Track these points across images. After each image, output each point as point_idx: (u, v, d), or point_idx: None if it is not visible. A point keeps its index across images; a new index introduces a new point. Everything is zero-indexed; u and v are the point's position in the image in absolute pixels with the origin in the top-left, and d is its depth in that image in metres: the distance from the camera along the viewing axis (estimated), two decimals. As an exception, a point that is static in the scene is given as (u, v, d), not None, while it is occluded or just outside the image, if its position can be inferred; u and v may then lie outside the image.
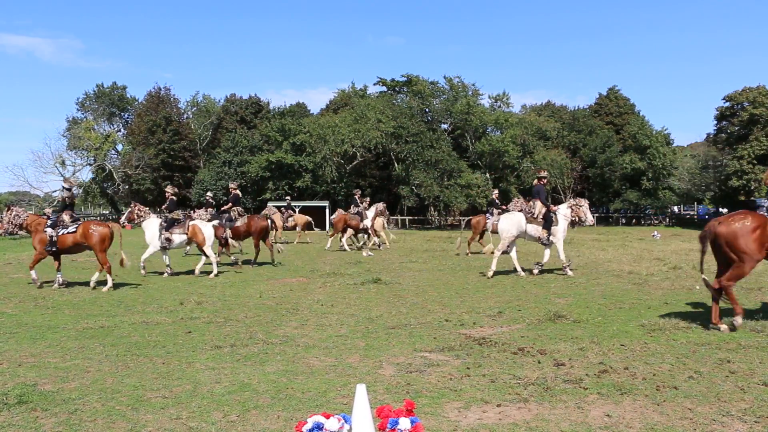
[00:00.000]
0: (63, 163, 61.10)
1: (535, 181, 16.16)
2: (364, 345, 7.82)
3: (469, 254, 21.75)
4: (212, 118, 65.01)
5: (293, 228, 30.81)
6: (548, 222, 15.47)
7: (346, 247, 24.82)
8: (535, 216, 15.51)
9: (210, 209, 22.46)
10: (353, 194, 27.79)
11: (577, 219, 15.85)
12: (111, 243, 14.12)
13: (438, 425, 4.97)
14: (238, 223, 18.79)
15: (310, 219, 32.72)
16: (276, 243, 20.49)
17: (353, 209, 25.65)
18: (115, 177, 61.38)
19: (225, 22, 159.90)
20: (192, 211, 23.01)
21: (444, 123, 59.01)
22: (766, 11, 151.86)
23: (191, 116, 66.78)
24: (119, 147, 66.07)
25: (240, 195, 19.81)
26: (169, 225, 16.23)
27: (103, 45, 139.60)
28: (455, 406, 5.43)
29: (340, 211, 27.20)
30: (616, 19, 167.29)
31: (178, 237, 16.17)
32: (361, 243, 25.65)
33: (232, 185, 20.41)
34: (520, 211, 16.05)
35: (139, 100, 66.79)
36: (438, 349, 7.54)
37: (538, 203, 15.60)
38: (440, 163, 51.60)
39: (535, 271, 15.45)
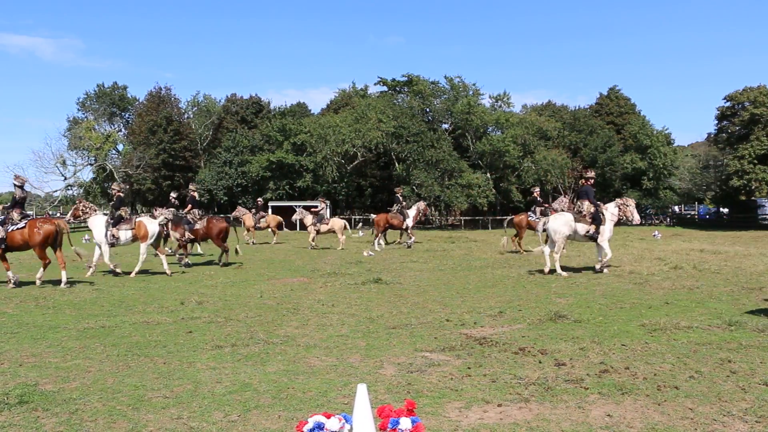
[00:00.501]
0: (64, 162, 61.15)
1: (582, 182, 16.39)
2: (365, 345, 7.82)
3: (523, 252, 21.77)
4: (213, 117, 65.03)
5: (265, 228, 30.52)
6: (597, 220, 15.66)
7: (376, 247, 24.95)
8: (583, 215, 15.73)
9: (172, 209, 22.40)
10: (396, 192, 27.92)
11: (624, 218, 16.09)
12: (58, 240, 14.10)
13: (439, 425, 4.97)
14: (197, 226, 18.85)
15: (281, 219, 32.61)
16: (239, 244, 20.74)
17: (395, 207, 25.78)
18: (116, 177, 61.34)
19: (226, 22, 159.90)
20: (154, 209, 23.38)
21: (445, 123, 59.01)
22: (766, 11, 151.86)
23: (192, 116, 66.80)
24: (120, 147, 66.12)
25: (197, 197, 20.09)
26: (116, 222, 16.28)
27: (104, 45, 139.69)
28: (456, 406, 5.43)
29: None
30: (617, 19, 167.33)
31: (124, 234, 16.18)
32: (401, 241, 25.63)
33: (191, 187, 20.95)
34: (561, 210, 16.21)
35: (140, 100, 66.82)
36: (439, 348, 7.54)
37: (587, 203, 15.82)
38: (441, 162, 51.60)
39: (598, 267, 15.68)
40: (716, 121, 58.42)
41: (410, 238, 25.46)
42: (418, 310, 10.43)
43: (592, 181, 16.28)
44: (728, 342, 7.65)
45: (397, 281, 14.23)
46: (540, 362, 6.86)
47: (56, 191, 60.99)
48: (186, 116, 66.56)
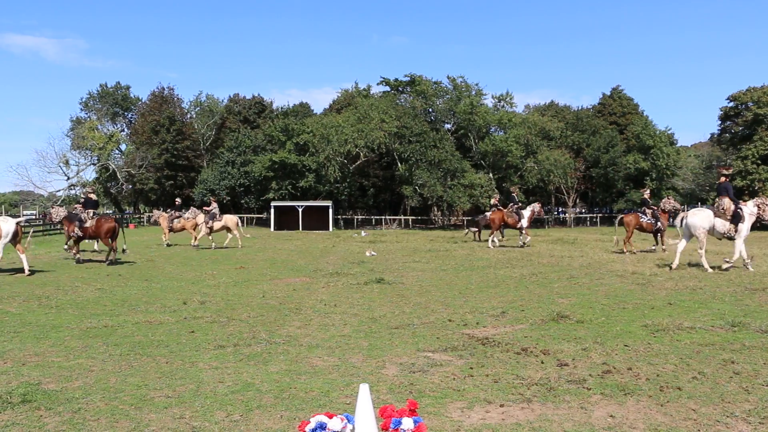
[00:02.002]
0: (67, 162, 61.29)
1: (722, 179, 16.30)
2: (367, 345, 7.81)
3: (635, 252, 21.76)
4: (216, 117, 65.17)
5: (180, 230, 29.58)
6: (736, 218, 15.67)
7: (490, 245, 24.99)
8: (723, 212, 15.78)
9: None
10: (512, 192, 28.20)
11: (763, 217, 16.17)
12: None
13: (441, 425, 4.97)
14: (87, 224, 19.55)
15: (197, 222, 31.80)
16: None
17: (511, 207, 25.96)
18: (119, 177, 61.53)
19: (229, 22, 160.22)
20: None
21: (447, 123, 59.07)
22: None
23: (195, 116, 66.96)
24: (123, 147, 66.30)
25: (93, 198, 20.73)
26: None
27: (107, 45, 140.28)
28: (458, 406, 5.42)
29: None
30: (620, 19, 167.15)
31: None
32: (522, 240, 25.70)
33: (88, 189, 22.00)
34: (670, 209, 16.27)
35: (143, 100, 67.00)
36: (441, 349, 7.54)
37: (726, 200, 15.86)
38: (443, 163, 51.62)
39: (725, 266, 15.66)
40: (719, 122, 58.46)
41: (526, 237, 25.66)
42: (420, 310, 10.43)
43: (728, 177, 16.28)
44: (731, 343, 7.63)
45: (400, 281, 14.23)
46: (542, 363, 6.85)
47: (59, 191, 61.14)
48: (189, 116, 66.71)
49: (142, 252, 23.33)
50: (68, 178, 61.26)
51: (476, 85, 57.96)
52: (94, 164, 62.53)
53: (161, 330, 8.74)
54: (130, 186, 62.41)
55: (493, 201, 31.09)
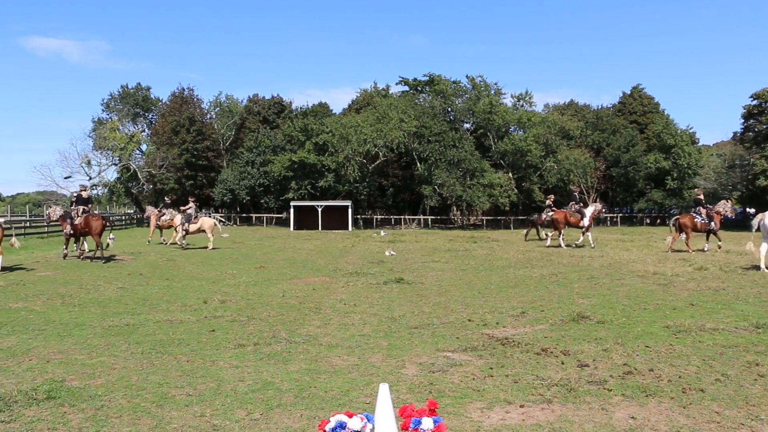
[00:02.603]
0: (89, 163, 61.86)
1: None
2: (386, 344, 7.82)
3: (692, 252, 21.69)
4: (235, 118, 65.48)
5: (168, 227, 29.38)
6: None
7: (563, 244, 25.10)
8: None
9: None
10: (573, 192, 28.32)
11: None
12: None
13: (461, 425, 4.96)
14: (77, 221, 20.28)
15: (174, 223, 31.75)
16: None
17: (574, 206, 26.08)
18: (140, 177, 62.03)
19: (248, 23, 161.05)
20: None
21: (466, 122, 58.85)
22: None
23: (214, 116, 67.32)
24: (143, 147, 66.78)
25: (84, 196, 21.29)
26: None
27: (129, 46, 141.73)
28: (478, 407, 5.41)
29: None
30: (641, 18, 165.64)
31: None
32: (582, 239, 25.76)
33: (80, 187, 22.49)
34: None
35: (163, 101, 67.44)
36: (461, 349, 7.53)
37: None
38: (462, 162, 51.46)
39: None
40: (742, 120, 57.57)
41: (587, 234, 25.69)
42: (440, 309, 10.42)
43: None
44: (756, 345, 7.54)
45: (419, 281, 14.22)
46: (562, 363, 6.82)
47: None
48: (208, 116, 67.07)
49: (162, 251, 23.53)
50: (90, 179, 61.90)
51: (495, 84, 57.72)
52: (115, 164, 63.11)
53: (182, 329, 8.81)
54: (151, 186, 62.87)
55: (548, 201, 31.41)
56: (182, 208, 27.41)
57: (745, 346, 7.44)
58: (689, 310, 9.97)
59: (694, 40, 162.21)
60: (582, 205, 26.76)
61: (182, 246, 25.37)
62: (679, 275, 14.66)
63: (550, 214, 28.05)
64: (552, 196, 32.93)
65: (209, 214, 58.24)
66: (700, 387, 5.88)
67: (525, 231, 33.62)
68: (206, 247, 24.96)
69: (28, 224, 36.32)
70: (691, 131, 60.39)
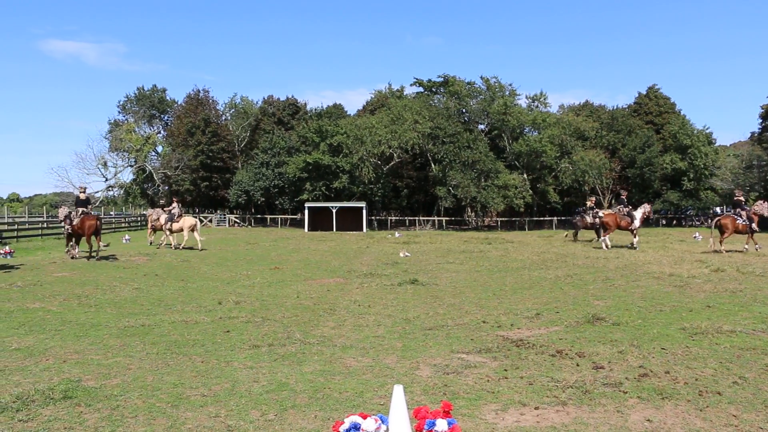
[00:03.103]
0: (105, 164, 62.47)
1: None
2: (401, 346, 7.82)
3: (724, 252, 21.74)
4: (250, 119, 65.77)
5: (160, 229, 29.67)
6: None
7: (604, 246, 25.00)
8: None
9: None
10: (620, 195, 28.34)
11: None
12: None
13: (475, 427, 4.95)
14: (74, 222, 21.20)
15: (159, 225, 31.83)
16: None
17: (623, 209, 26.12)
18: (155, 178, 62.48)
19: (263, 25, 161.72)
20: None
21: (481, 123, 58.80)
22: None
23: (229, 118, 67.64)
24: (159, 148, 67.23)
25: (83, 198, 22.26)
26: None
27: (145, 49, 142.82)
28: (492, 408, 5.39)
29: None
30: (656, 18, 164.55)
31: None
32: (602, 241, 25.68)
33: (79, 188, 23.50)
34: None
35: (179, 103, 67.86)
36: (475, 350, 7.51)
37: None
38: (477, 163, 51.40)
39: None
40: (760, 120, 57.01)
41: (635, 237, 25.62)
42: (454, 311, 10.40)
43: None
44: (773, 347, 7.45)
45: (434, 282, 14.20)
46: (578, 365, 6.78)
47: (97, 192, 62.30)
48: (223, 118, 67.42)
49: (177, 252, 23.67)
50: (106, 180, 62.45)
51: (510, 85, 57.69)
52: (131, 166, 63.63)
53: (197, 329, 8.85)
54: (167, 187, 63.29)
55: (589, 203, 31.33)
56: (166, 208, 28.01)
57: (762, 349, 7.36)
58: (706, 312, 9.88)
59: (711, 39, 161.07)
60: (630, 207, 26.69)
61: (160, 245, 26.39)
62: (696, 277, 14.54)
63: (600, 216, 27.71)
64: (594, 198, 32.83)
65: (224, 216, 58.61)
66: (717, 390, 5.82)
67: (572, 233, 32.34)
68: (190, 248, 25.39)
69: (45, 225, 36.62)
70: (707, 131, 59.91)
